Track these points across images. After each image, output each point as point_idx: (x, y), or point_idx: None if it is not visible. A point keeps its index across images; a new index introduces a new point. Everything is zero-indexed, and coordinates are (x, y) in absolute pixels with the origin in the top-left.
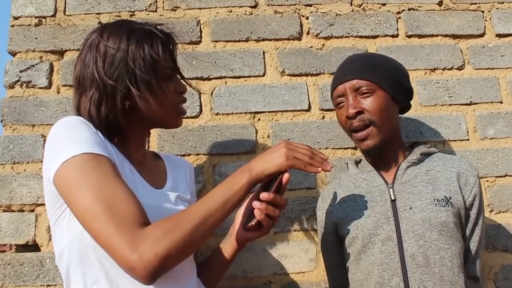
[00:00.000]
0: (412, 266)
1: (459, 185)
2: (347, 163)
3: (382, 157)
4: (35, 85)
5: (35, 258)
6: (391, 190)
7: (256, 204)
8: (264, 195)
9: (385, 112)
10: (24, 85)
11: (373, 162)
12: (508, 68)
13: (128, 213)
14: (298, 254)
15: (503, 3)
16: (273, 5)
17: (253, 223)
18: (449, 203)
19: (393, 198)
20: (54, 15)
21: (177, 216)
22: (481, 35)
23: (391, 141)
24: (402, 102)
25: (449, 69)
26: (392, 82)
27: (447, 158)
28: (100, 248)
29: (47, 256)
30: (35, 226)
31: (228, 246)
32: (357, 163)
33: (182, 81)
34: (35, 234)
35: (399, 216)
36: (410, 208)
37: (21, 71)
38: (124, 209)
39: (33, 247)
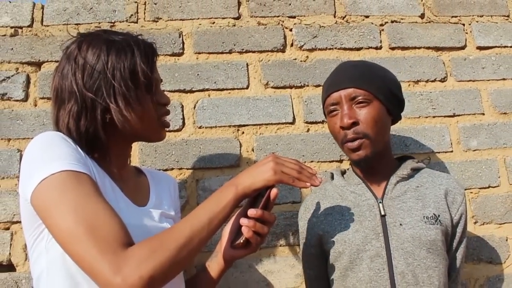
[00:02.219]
0: (401, 285)
1: (447, 203)
2: (332, 173)
3: (370, 169)
4: (11, 98)
5: (10, 278)
6: (380, 205)
7: (243, 221)
8: (252, 212)
9: (379, 124)
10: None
11: (363, 174)
12: (489, 80)
13: (111, 234)
14: (284, 269)
15: (482, 16)
16: (257, 17)
17: (241, 241)
18: (438, 220)
19: (383, 213)
20: (31, 25)
21: (162, 235)
22: (462, 48)
23: (382, 154)
24: (395, 114)
25: (432, 81)
26: (388, 93)
27: (435, 174)
28: (81, 272)
29: (23, 277)
30: (10, 245)
31: (215, 265)
32: (343, 173)
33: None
34: (10, 254)
35: (389, 232)
36: (400, 224)
37: None
38: (106, 230)
39: (8, 267)
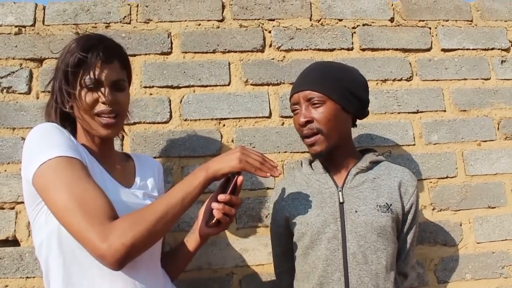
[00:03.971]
0: (352, 263)
1: (400, 193)
2: (301, 161)
3: (333, 161)
4: (15, 91)
5: (15, 252)
6: (340, 193)
7: (214, 205)
8: (221, 197)
9: (333, 122)
10: (5, 90)
11: (324, 165)
12: (451, 79)
13: (98, 209)
14: (258, 248)
15: (447, 20)
16: (239, 19)
17: (213, 221)
18: (389, 209)
19: (341, 200)
20: (33, 25)
21: (142, 210)
22: (428, 50)
23: (341, 147)
24: (353, 111)
25: (398, 80)
26: (344, 93)
27: (392, 167)
28: (74, 239)
29: (26, 251)
30: (15, 222)
31: (192, 240)
32: (311, 162)
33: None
34: (15, 230)
35: (345, 217)
36: (356, 211)
37: (1, 77)
38: (94, 205)
39: (13, 242)
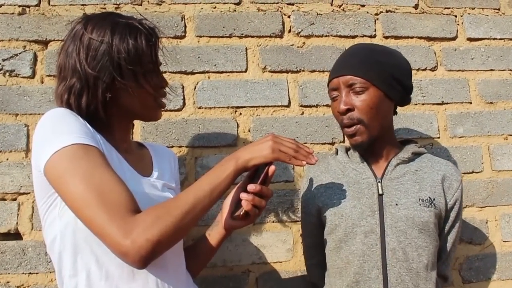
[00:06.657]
0: (392, 260)
1: (443, 188)
2: (336, 149)
3: (372, 151)
4: (19, 74)
5: (17, 246)
6: (379, 184)
7: (243, 195)
8: (251, 187)
9: (375, 110)
10: (7, 74)
11: (365, 154)
12: (477, 70)
13: (119, 201)
14: (276, 244)
15: (474, 8)
16: (256, 3)
17: (241, 213)
18: (432, 204)
19: (380, 192)
20: (38, 5)
21: (167, 203)
22: (453, 39)
23: (382, 137)
24: (397, 98)
25: (423, 70)
26: (387, 79)
27: (435, 160)
28: (92, 235)
29: (29, 245)
30: (18, 214)
31: (215, 233)
32: (347, 150)
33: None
34: (17, 223)
35: (384, 210)
36: (396, 204)
37: (4, 60)
38: (115, 197)
39: (15, 235)
